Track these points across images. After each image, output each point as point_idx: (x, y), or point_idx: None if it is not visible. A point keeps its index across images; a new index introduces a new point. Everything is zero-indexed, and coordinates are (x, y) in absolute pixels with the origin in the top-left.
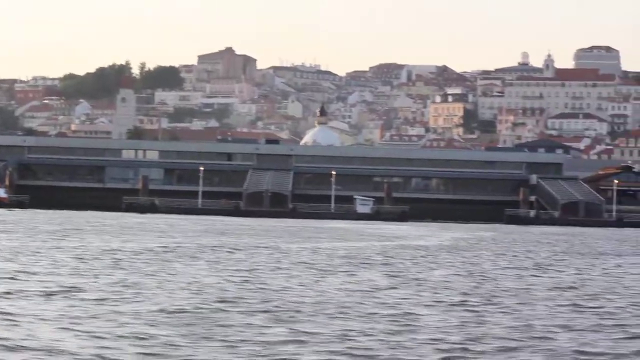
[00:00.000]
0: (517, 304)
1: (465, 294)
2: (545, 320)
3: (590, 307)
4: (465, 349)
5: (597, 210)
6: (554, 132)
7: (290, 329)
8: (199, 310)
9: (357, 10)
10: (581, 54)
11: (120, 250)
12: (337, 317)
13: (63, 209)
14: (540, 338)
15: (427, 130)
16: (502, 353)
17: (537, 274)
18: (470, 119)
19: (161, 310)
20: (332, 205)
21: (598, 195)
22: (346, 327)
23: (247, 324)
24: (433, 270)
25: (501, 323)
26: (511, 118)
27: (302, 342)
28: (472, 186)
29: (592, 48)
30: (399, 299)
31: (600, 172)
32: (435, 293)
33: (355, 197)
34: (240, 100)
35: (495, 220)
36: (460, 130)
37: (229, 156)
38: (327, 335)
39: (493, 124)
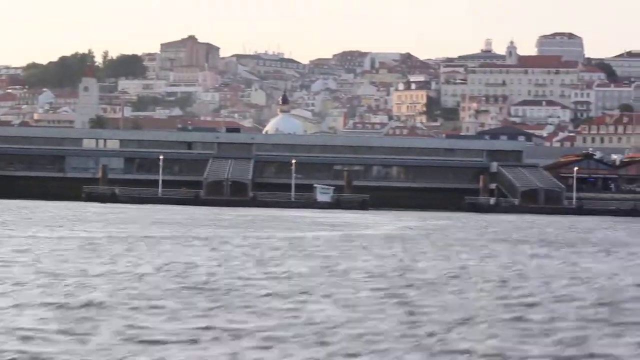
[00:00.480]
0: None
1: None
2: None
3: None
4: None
5: (557, 198)
6: (517, 120)
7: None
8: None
9: None
10: (544, 40)
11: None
12: None
13: (24, 199)
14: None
15: (391, 118)
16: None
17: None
18: (433, 106)
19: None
20: (293, 194)
21: (558, 182)
22: None
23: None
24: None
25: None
26: (474, 105)
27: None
28: (433, 174)
29: (554, 35)
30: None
31: (562, 160)
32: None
33: (315, 185)
34: (204, 89)
35: (455, 208)
36: (424, 118)
37: (190, 145)
38: None
39: (456, 111)
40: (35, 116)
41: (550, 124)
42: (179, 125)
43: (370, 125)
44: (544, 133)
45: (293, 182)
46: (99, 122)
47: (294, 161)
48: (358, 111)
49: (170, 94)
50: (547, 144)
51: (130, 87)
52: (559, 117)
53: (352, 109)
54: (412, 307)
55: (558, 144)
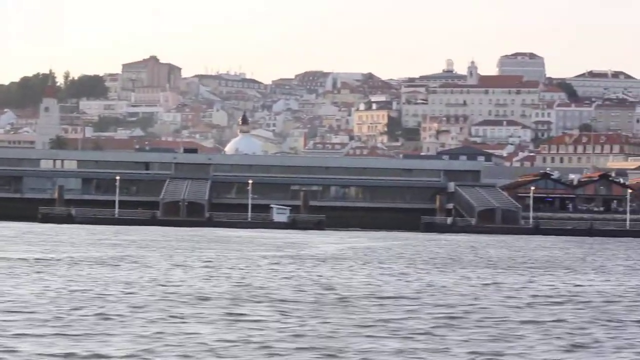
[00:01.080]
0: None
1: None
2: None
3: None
4: None
5: (514, 217)
6: (477, 140)
7: None
8: None
9: (283, 18)
10: (505, 60)
11: None
12: None
13: None
14: None
15: (352, 138)
16: None
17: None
18: (394, 126)
19: None
20: (249, 214)
21: (515, 202)
22: None
23: None
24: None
25: None
26: (435, 125)
27: None
28: (390, 194)
29: (516, 55)
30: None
31: (519, 180)
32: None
33: (271, 206)
34: (165, 109)
35: (412, 228)
36: (385, 138)
37: (147, 165)
38: None
39: (417, 131)
40: None
41: (511, 144)
42: (137, 146)
43: (330, 145)
44: (504, 153)
45: (250, 202)
46: (58, 143)
47: (250, 181)
48: (319, 131)
49: (131, 115)
50: (507, 163)
51: (92, 107)
52: (519, 137)
53: (313, 129)
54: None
55: (518, 164)
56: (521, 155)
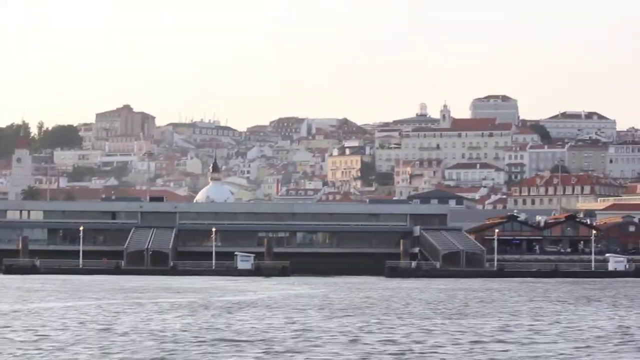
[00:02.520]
0: None
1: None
2: None
3: None
4: None
5: (478, 260)
6: (451, 183)
7: None
8: None
9: (258, 64)
10: (478, 103)
11: None
12: None
13: None
14: None
15: (325, 184)
16: None
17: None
18: (368, 171)
19: None
20: (213, 262)
21: (479, 245)
22: None
23: None
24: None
25: None
26: (408, 170)
27: None
28: (356, 239)
29: (488, 97)
30: None
31: (487, 222)
32: None
33: (235, 253)
34: (139, 158)
35: (377, 273)
36: (359, 183)
37: (114, 215)
38: None
39: (391, 176)
40: None
41: (485, 187)
42: (103, 195)
43: (303, 191)
44: (477, 196)
45: (214, 250)
46: (30, 194)
47: (214, 229)
48: (293, 177)
49: (105, 164)
50: (480, 206)
51: (66, 157)
52: (493, 179)
53: (287, 175)
54: None
55: (491, 207)
56: (493, 197)
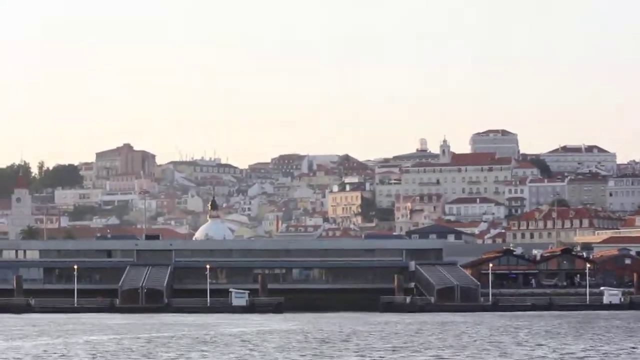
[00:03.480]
0: None
1: None
2: None
3: None
4: None
5: (473, 295)
6: (451, 218)
7: None
8: None
9: (259, 102)
10: (477, 138)
11: None
12: None
13: None
14: None
15: (326, 220)
16: None
17: None
18: (368, 207)
19: None
20: (208, 299)
21: (474, 279)
22: None
23: None
24: None
25: None
26: (408, 205)
27: None
28: (352, 275)
29: (488, 132)
30: None
31: (484, 257)
32: None
33: (230, 290)
34: (140, 197)
35: (372, 308)
36: (359, 219)
37: (109, 253)
38: None
39: (391, 211)
40: None
41: (485, 221)
42: (98, 235)
43: (303, 228)
44: (477, 230)
45: (208, 287)
46: (29, 233)
47: (208, 266)
48: (294, 214)
49: (106, 203)
50: (480, 241)
51: (67, 196)
52: (493, 213)
53: (288, 212)
54: None
55: (490, 241)
56: (493, 232)
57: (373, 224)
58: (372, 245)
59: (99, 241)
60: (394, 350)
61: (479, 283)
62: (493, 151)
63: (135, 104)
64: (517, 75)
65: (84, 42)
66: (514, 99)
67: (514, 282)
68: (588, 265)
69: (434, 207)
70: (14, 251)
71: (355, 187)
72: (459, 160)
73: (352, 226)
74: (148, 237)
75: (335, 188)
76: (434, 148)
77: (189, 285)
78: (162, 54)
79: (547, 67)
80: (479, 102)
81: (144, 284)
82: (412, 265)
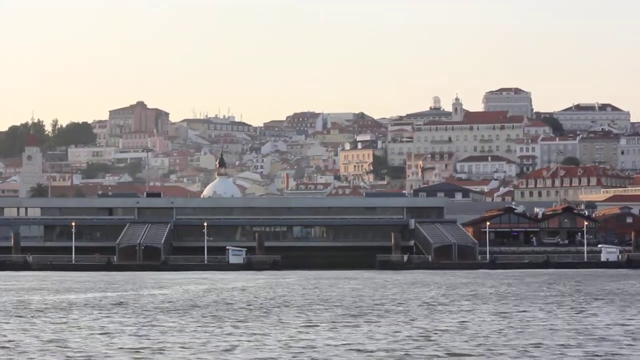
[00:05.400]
0: None
1: None
2: None
3: None
4: None
5: (470, 253)
6: (463, 176)
7: None
8: None
9: (275, 59)
10: (490, 96)
11: None
12: None
13: None
14: None
15: (337, 178)
16: None
17: None
18: (380, 165)
19: None
20: (205, 256)
21: (472, 237)
22: None
23: None
24: None
25: None
26: (419, 163)
27: None
28: (352, 233)
29: (501, 90)
30: None
31: (485, 215)
32: None
33: (227, 247)
34: (153, 154)
35: (370, 266)
36: (371, 177)
37: (110, 211)
38: None
39: (403, 169)
40: None
41: (496, 179)
42: (99, 192)
43: (313, 186)
44: (486, 188)
45: (206, 244)
46: (39, 191)
47: (205, 224)
48: (306, 172)
49: (119, 161)
50: (489, 199)
51: (80, 154)
52: (504, 172)
53: (300, 170)
54: None
55: (499, 199)
56: (502, 190)
57: (384, 182)
58: (373, 203)
59: (100, 199)
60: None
61: (476, 241)
62: (506, 109)
63: (149, 61)
64: (532, 34)
65: (98, 0)
66: (528, 57)
67: (515, 240)
68: (586, 223)
69: (445, 165)
70: (15, 209)
71: (367, 145)
72: (471, 118)
73: (362, 184)
74: (149, 195)
75: (348, 146)
76: (448, 106)
77: (189, 243)
78: (176, 10)
79: (562, 25)
80: (493, 60)
81: (141, 241)
82: (412, 223)
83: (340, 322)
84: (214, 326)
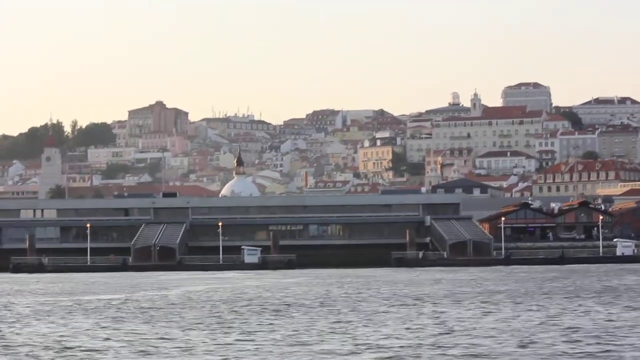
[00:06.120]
0: None
1: None
2: None
3: None
4: None
5: (486, 249)
6: (482, 172)
7: None
8: None
9: (294, 58)
10: (509, 91)
11: None
12: None
13: None
14: None
15: (357, 175)
16: None
17: None
18: (399, 162)
19: None
20: (221, 256)
21: (487, 233)
22: None
23: None
24: None
25: None
26: (439, 159)
27: None
28: (368, 230)
29: (519, 85)
30: None
31: (502, 210)
32: None
33: (242, 247)
34: (173, 154)
35: (387, 263)
36: (390, 174)
37: (126, 211)
38: None
39: (422, 166)
40: (0, 189)
41: (515, 175)
42: (115, 193)
43: (332, 183)
44: (505, 184)
45: (221, 244)
46: (58, 192)
47: (220, 223)
48: (326, 169)
49: (139, 161)
50: (508, 194)
51: (100, 155)
52: (524, 167)
53: (320, 167)
54: None
55: (518, 194)
56: (521, 185)
57: (404, 179)
58: (389, 200)
59: (116, 200)
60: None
61: (491, 237)
62: (525, 104)
63: (168, 60)
64: (550, 28)
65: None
66: (547, 52)
67: (531, 236)
68: (601, 217)
69: (464, 161)
70: (32, 211)
71: (387, 142)
72: (489, 113)
73: (381, 181)
74: (165, 195)
75: (367, 143)
76: (467, 102)
77: (205, 242)
78: (194, 9)
79: (580, 19)
80: (512, 55)
81: (156, 242)
82: (428, 220)
83: None
84: None
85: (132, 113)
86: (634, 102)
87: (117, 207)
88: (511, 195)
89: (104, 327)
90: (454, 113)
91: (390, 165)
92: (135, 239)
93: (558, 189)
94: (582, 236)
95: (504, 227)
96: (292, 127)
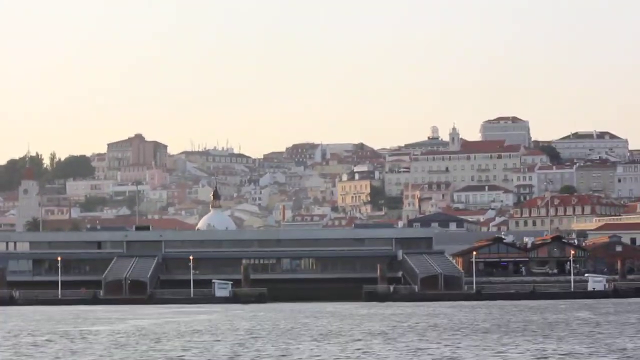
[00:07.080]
0: None
1: None
2: None
3: None
4: None
5: (457, 283)
6: (460, 206)
7: None
8: None
9: (274, 91)
10: (488, 125)
11: None
12: None
13: None
14: None
15: (335, 209)
16: None
17: None
18: (377, 195)
19: None
20: (192, 289)
21: (458, 268)
22: None
23: None
24: None
25: None
26: (417, 193)
27: None
28: (340, 264)
29: (498, 119)
30: None
31: (475, 245)
32: None
33: (213, 281)
34: (151, 187)
35: (358, 297)
36: (368, 207)
37: (99, 244)
38: None
39: (400, 199)
40: None
41: (493, 209)
42: (88, 226)
43: (310, 217)
44: (482, 218)
45: (192, 278)
46: (35, 225)
47: (191, 257)
48: (304, 203)
49: (118, 194)
50: (485, 228)
51: (79, 187)
52: (502, 201)
53: (298, 201)
54: None
55: (495, 229)
56: (498, 220)
57: (382, 213)
58: (362, 234)
59: (89, 232)
60: None
61: (462, 271)
62: (503, 138)
63: (147, 94)
64: (530, 62)
65: (95, 33)
66: (526, 86)
67: (504, 270)
68: (572, 252)
69: (443, 195)
70: (5, 243)
71: (365, 175)
72: (468, 147)
73: (359, 215)
74: (138, 228)
75: (345, 177)
76: (446, 136)
77: (177, 276)
78: (173, 43)
79: (560, 54)
80: (491, 89)
81: (127, 275)
82: (400, 254)
83: None
84: None
85: (111, 146)
86: (612, 136)
87: (90, 240)
88: (488, 229)
89: None
90: (432, 147)
91: (369, 199)
92: (106, 272)
93: (534, 224)
94: (555, 271)
95: (477, 262)
96: (271, 160)
